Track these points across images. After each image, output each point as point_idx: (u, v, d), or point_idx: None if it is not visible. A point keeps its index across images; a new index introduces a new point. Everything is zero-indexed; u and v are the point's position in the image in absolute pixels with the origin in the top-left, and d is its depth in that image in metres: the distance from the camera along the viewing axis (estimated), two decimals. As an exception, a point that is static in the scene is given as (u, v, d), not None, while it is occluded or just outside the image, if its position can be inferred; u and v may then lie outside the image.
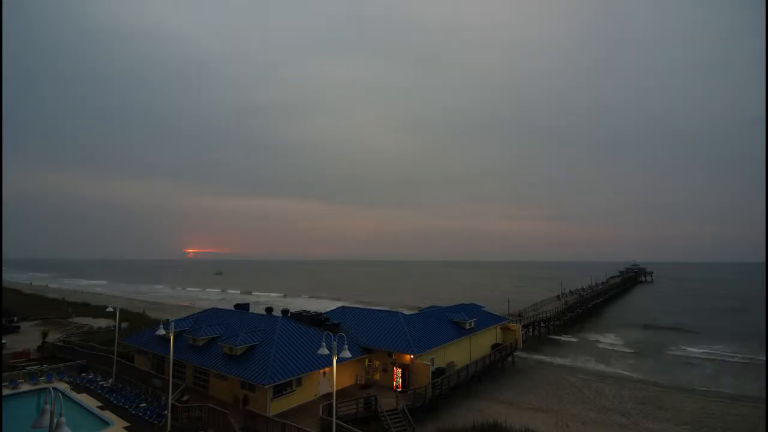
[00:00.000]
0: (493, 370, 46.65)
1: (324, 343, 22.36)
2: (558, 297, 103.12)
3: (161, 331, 30.32)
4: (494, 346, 48.73)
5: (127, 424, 28.31)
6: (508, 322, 54.51)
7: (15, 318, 72.55)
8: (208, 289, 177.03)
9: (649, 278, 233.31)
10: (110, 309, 43.13)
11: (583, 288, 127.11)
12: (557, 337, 71.62)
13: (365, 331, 40.76)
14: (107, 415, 29.66)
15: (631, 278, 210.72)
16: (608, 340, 71.12)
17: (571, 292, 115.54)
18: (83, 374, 39.59)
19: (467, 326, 44.96)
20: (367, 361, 38.34)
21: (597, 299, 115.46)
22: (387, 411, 29.62)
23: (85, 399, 32.91)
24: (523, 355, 56.64)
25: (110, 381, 36.91)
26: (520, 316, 69.67)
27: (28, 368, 39.91)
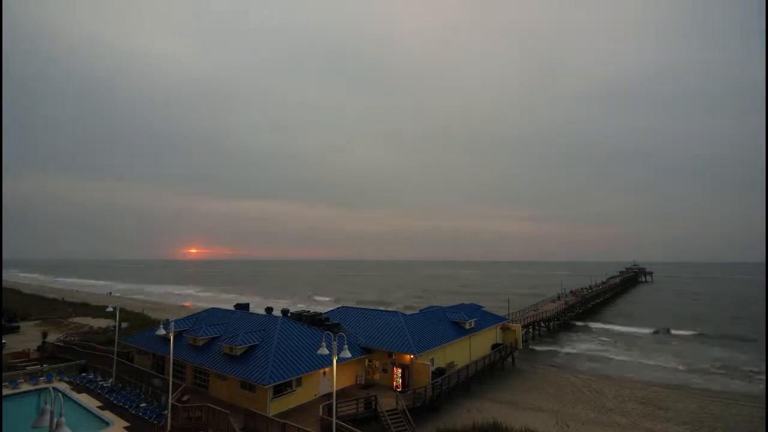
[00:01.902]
0: (493, 370, 46.65)
1: (324, 343, 22.36)
2: (558, 297, 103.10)
3: (161, 331, 30.31)
4: (494, 346, 48.72)
5: (127, 424, 28.30)
6: (508, 322, 54.53)
7: (16, 318, 72.62)
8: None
9: (649, 278, 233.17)
10: (110, 309, 43.12)
11: (582, 288, 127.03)
12: (557, 337, 71.62)
13: (365, 331, 40.75)
14: (107, 415, 29.64)
15: (631, 278, 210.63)
16: (608, 340, 71.15)
17: (571, 292, 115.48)
18: (83, 374, 39.59)
19: (467, 326, 44.95)
20: (367, 361, 38.35)
21: (597, 299, 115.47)
22: (387, 411, 29.62)
23: (85, 399, 32.90)
24: (523, 355, 56.67)
25: (110, 381, 36.91)
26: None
27: (28, 368, 39.90)
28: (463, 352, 43.35)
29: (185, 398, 32.27)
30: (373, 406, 29.97)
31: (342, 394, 32.66)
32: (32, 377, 36.98)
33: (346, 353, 22.37)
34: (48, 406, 11.94)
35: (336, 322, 42.27)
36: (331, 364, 22.39)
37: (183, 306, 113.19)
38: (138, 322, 72.37)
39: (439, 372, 36.55)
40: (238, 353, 33.20)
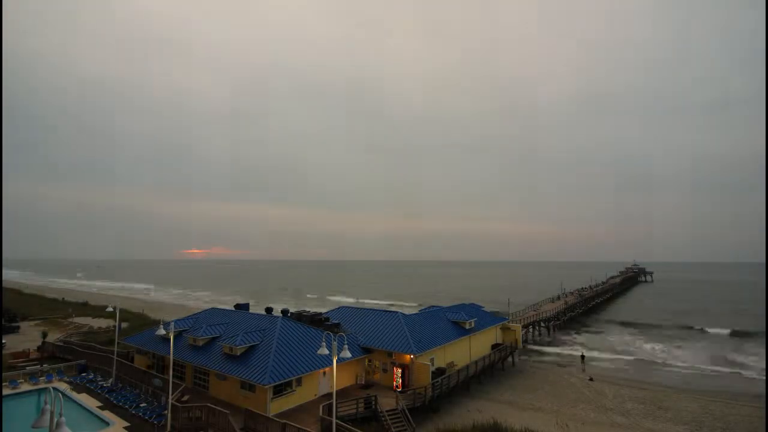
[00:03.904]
0: (493, 370, 46.65)
1: (324, 343, 22.36)
2: (558, 297, 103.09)
3: (161, 331, 30.29)
4: (494, 346, 48.73)
5: (127, 424, 28.30)
6: (508, 322, 54.54)
7: (16, 318, 72.62)
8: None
9: (649, 278, 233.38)
10: (110, 309, 43.10)
11: (582, 288, 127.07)
12: (557, 337, 71.62)
13: (365, 331, 40.75)
14: (107, 415, 29.64)
15: (631, 278, 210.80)
16: (608, 339, 71.14)
17: (570, 292, 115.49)
18: (83, 374, 39.59)
19: (467, 326, 44.96)
20: (367, 361, 38.34)
21: (597, 299, 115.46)
22: (387, 411, 29.62)
23: (85, 399, 32.90)
24: (523, 355, 56.67)
25: (110, 381, 36.92)
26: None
27: (28, 368, 39.89)
28: (463, 352, 43.35)
29: (185, 398, 32.29)
30: (373, 406, 29.97)
31: (342, 394, 32.67)
32: (32, 377, 36.99)
33: (346, 353, 22.36)
34: (48, 406, 11.93)
35: (336, 322, 42.27)
36: (331, 364, 22.35)
37: (183, 306, 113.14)
38: (138, 322, 72.38)
39: (439, 372, 36.54)
40: (238, 353, 33.19)
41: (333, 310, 49.82)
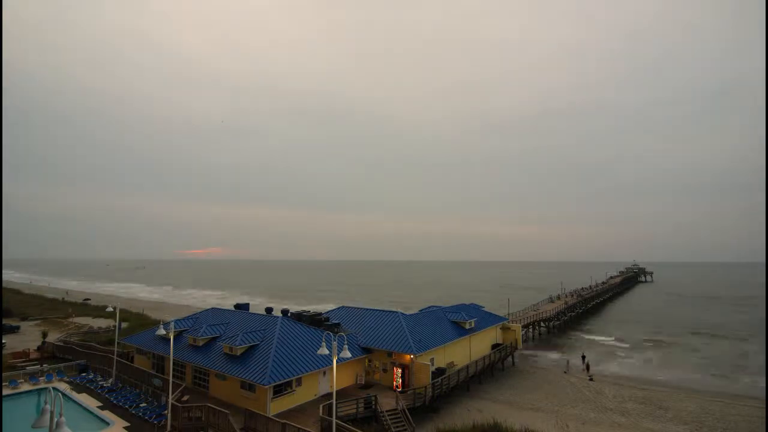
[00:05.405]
0: (493, 370, 46.64)
1: (324, 343, 22.36)
2: (558, 297, 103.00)
3: (161, 331, 30.30)
4: (494, 346, 48.72)
5: (127, 424, 28.29)
6: (508, 322, 54.53)
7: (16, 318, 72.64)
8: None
9: (649, 278, 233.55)
10: (110, 309, 43.13)
11: (582, 288, 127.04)
12: (557, 337, 71.61)
13: (365, 331, 40.75)
14: (107, 415, 29.63)
15: (631, 278, 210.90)
16: (608, 339, 71.14)
17: (570, 292, 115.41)
18: (83, 374, 39.58)
19: (467, 326, 44.95)
20: (367, 361, 38.33)
21: (597, 299, 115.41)
22: (387, 411, 29.61)
23: (85, 399, 32.89)
24: (524, 355, 56.66)
25: (110, 381, 36.91)
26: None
27: (28, 368, 39.89)
28: (463, 352, 43.35)
29: (185, 398, 32.28)
30: (373, 406, 29.96)
31: (342, 394, 32.65)
32: (32, 377, 36.96)
33: (346, 353, 22.36)
34: (48, 406, 11.91)
35: (336, 322, 42.24)
36: (331, 364, 22.36)
37: (183, 306, 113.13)
38: (138, 322, 72.37)
39: (439, 372, 36.54)
40: (238, 353, 33.19)
41: (333, 310, 49.80)
